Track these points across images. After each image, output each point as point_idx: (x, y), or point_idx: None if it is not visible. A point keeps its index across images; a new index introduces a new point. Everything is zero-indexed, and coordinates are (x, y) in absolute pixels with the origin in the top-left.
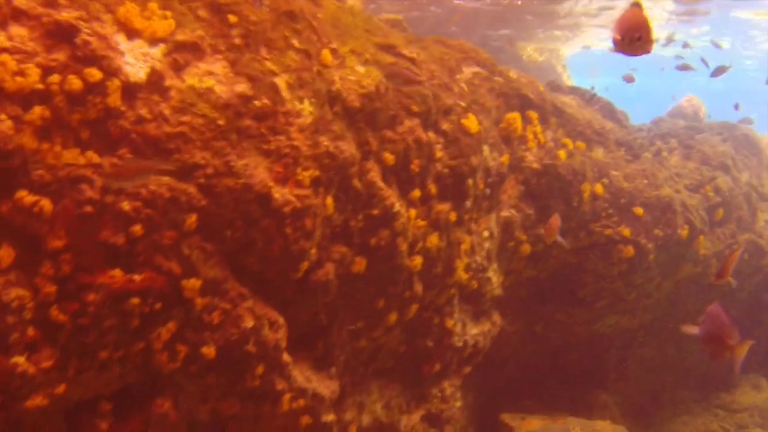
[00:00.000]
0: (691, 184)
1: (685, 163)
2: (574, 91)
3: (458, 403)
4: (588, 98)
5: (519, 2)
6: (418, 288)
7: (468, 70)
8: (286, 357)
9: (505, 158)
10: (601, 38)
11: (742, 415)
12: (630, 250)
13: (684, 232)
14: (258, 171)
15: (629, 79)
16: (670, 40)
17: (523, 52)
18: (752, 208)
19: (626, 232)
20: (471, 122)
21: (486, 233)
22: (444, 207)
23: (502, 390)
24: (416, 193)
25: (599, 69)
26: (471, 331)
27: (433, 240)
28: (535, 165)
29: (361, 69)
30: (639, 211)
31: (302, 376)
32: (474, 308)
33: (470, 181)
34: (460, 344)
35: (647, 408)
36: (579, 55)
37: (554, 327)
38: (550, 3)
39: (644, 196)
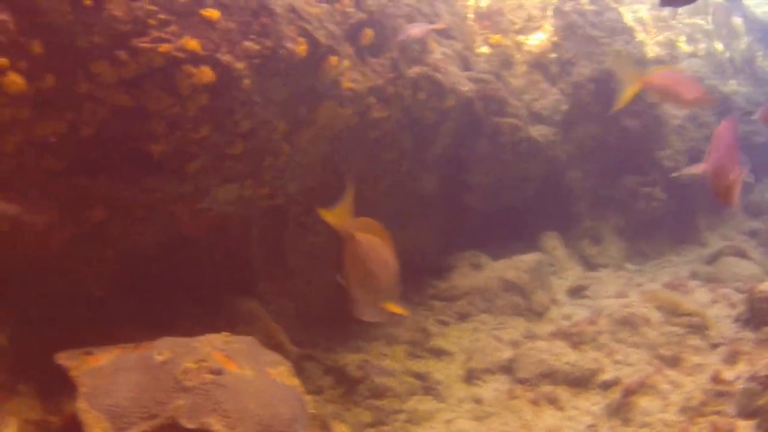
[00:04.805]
0: None
1: None
2: None
3: None
4: None
5: None
6: None
7: None
8: None
9: None
10: None
11: (462, 303)
12: (206, 73)
13: (300, 47)
14: None
15: None
16: None
17: None
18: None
19: (194, 45)
20: None
21: None
22: None
23: (87, 318)
24: None
25: None
26: None
27: None
28: None
29: None
30: (213, 13)
31: None
32: None
33: None
34: None
35: (335, 311)
36: None
37: (130, 213)
38: None
39: None
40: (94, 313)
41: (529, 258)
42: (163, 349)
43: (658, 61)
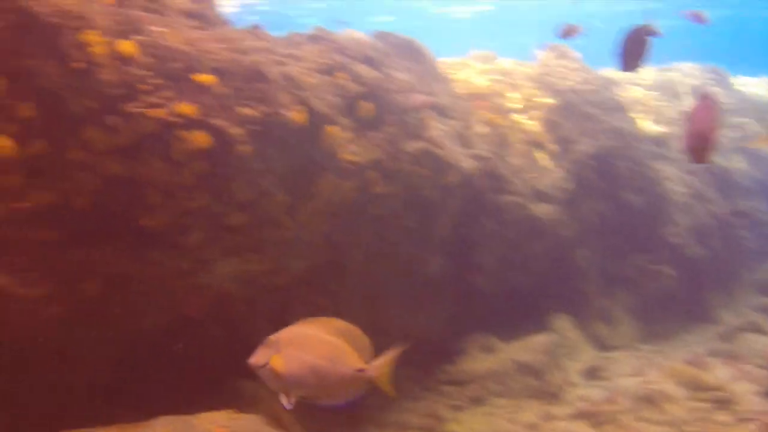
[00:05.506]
0: (315, 68)
1: (310, 48)
2: None
3: None
4: None
5: None
6: None
7: None
8: None
9: None
10: None
11: (475, 386)
12: (202, 138)
13: (298, 115)
14: None
15: None
16: None
17: None
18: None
19: (189, 109)
20: None
21: None
22: None
23: (82, 402)
24: None
25: None
26: None
27: None
28: None
29: None
30: (207, 78)
31: None
32: None
33: None
34: None
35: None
36: None
37: (130, 289)
38: None
39: (216, 59)
40: (93, 396)
41: (542, 339)
42: (159, 428)
43: (655, 138)
